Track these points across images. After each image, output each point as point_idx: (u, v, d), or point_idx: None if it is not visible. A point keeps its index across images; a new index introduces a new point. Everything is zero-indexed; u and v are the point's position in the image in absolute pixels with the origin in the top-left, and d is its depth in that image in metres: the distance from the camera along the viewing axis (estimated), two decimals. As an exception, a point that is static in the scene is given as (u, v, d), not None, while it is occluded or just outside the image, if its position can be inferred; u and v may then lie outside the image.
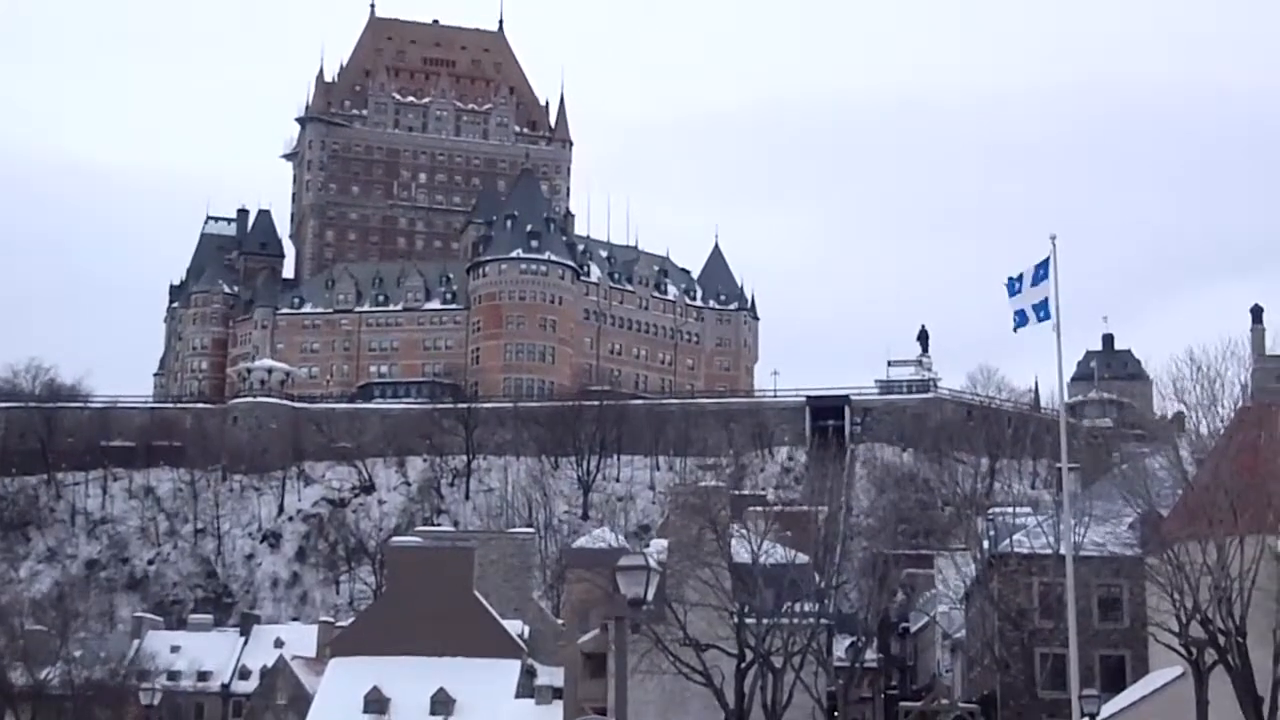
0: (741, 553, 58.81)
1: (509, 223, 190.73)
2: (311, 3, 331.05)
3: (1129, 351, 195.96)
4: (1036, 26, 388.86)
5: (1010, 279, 38.91)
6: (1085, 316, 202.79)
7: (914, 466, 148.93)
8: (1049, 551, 54.86)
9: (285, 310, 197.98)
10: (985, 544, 58.89)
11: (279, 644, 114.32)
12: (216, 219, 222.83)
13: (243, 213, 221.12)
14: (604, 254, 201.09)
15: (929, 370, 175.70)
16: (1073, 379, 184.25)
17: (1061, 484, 46.11)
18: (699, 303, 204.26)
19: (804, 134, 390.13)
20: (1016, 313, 38.38)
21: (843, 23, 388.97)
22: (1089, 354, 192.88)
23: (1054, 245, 37.93)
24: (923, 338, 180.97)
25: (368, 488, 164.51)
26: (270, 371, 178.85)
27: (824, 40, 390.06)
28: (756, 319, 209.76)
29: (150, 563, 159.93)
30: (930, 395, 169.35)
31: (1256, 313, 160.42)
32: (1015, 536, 58.37)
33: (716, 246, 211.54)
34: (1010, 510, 65.69)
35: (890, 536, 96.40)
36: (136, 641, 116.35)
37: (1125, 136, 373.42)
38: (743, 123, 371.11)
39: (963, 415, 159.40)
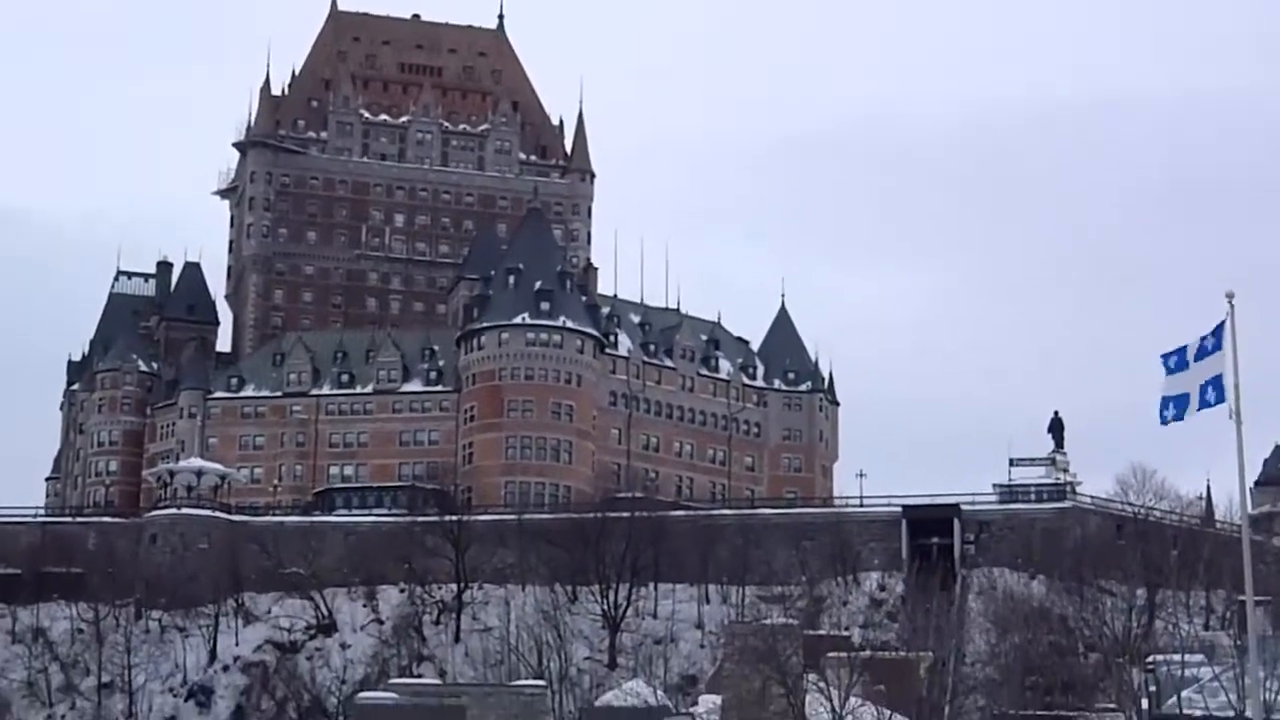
0: (820, 712, 58.53)
1: (511, 278, 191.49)
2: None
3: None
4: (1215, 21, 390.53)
5: (1167, 355, 38.77)
6: (1276, 400, 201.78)
7: (1046, 598, 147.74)
8: (1230, 714, 54.39)
9: (220, 394, 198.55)
10: (1144, 702, 58.46)
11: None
12: (130, 274, 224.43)
13: (164, 266, 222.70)
14: (636, 319, 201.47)
15: (1065, 471, 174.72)
16: (1258, 483, 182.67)
17: (1246, 623, 45.68)
18: (760, 382, 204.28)
19: (896, 163, 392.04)
20: (1173, 399, 38.16)
21: (957, 19, 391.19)
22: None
23: (1231, 306, 37.78)
24: (1056, 428, 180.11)
25: (327, 627, 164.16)
26: (200, 474, 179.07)
27: (934, 40, 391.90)
28: (835, 403, 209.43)
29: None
30: (1067, 504, 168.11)
31: None
32: (1184, 693, 57.87)
33: (783, 308, 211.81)
34: (1177, 658, 65.13)
35: (1016, 691, 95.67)
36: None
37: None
38: (817, 149, 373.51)
39: (1111, 531, 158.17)
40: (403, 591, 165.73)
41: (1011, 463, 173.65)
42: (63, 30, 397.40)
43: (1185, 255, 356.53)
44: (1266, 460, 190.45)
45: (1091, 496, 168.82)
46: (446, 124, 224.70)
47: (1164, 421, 38.50)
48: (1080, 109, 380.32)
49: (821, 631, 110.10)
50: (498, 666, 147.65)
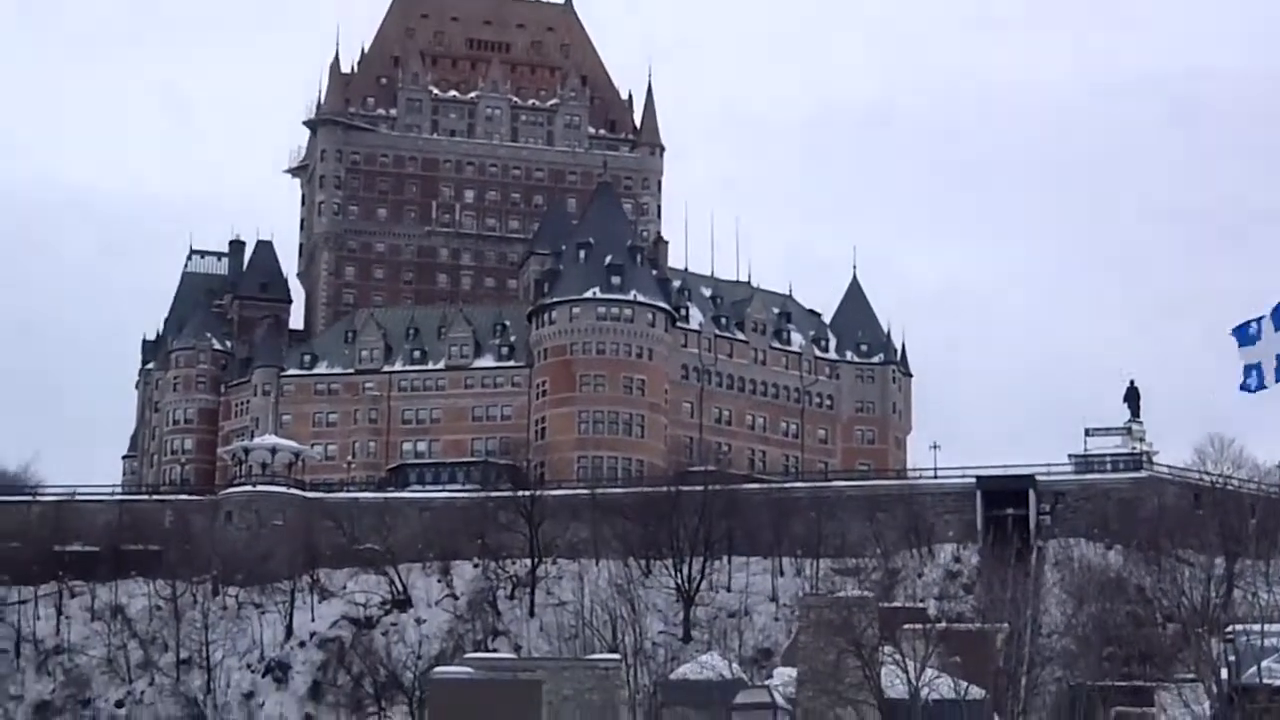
0: (896, 684, 58.32)
1: (582, 253, 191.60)
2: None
3: None
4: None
5: (1240, 326, 38.48)
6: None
7: (1124, 569, 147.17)
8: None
9: (293, 371, 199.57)
10: (1224, 673, 58.03)
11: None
12: (203, 253, 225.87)
13: (237, 245, 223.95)
14: (707, 292, 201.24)
15: (1141, 441, 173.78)
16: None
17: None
18: (832, 354, 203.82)
19: (968, 134, 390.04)
20: (1249, 368, 37.94)
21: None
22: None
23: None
24: (1132, 398, 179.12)
25: (402, 602, 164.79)
26: (274, 452, 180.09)
27: (1008, 11, 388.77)
28: (908, 375, 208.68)
29: (120, 705, 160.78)
30: (1144, 474, 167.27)
31: None
32: (1265, 663, 57.49)
33: (854, 280, 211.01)
34: (1256, 628, 64.65)
35: (1094, 663, 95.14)
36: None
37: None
38: (887, 121, 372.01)
39: (1188, 500, 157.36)
40: (477, 566, 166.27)
41: (1087, 433, 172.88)
42: (133, 11, 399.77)
43: (1265, 225, 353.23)
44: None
45: (1169, 466, 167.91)
46: (515, 99, 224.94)
47: (1253, 389, 38.24)
48: (1157, 80, 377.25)
49: (897, 604, 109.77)
50: (572, 640, 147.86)
